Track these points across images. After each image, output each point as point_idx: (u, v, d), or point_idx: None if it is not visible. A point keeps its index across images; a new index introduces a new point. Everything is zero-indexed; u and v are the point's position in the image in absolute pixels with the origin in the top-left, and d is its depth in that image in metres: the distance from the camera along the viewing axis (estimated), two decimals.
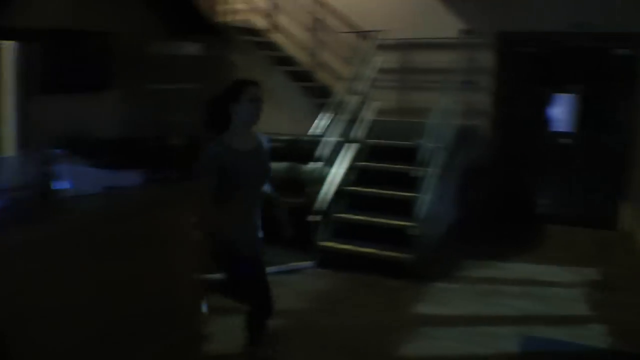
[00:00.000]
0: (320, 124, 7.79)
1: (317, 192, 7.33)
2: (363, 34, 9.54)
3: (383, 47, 9.23)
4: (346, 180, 7.73)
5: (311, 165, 7.61)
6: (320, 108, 8.65)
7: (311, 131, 7.72)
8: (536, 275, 7.00)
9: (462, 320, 5.63)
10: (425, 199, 7.06)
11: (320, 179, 7.45)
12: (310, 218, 7.11)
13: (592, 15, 8.57)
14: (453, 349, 4.98)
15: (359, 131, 8.15)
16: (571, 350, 5.10)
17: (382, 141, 8.27)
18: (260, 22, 10.39)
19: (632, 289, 6.68)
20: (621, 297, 6.44)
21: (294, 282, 6.54)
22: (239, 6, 10.05)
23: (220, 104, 3.94)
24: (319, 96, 9.36)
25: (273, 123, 9.32)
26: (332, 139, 7.64)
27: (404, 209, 7.01)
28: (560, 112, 9.19)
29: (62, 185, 3.32)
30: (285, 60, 10.00)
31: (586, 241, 8.58)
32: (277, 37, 10.30)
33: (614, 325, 5.63)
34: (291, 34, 10.25)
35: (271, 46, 10.05)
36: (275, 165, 8.49)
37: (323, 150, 7.52)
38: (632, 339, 5.40)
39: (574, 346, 5.16)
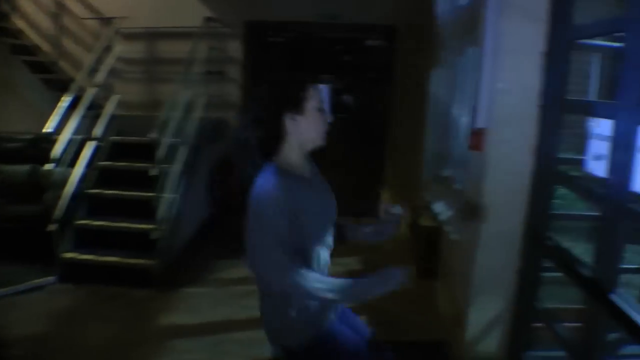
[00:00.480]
0: (59, 119, 7.05)
1: (58, 197, 6.61)
2: (106, 21, 8.84)
3: (127, 36, 8.71)
4: (87, 182, 7.07)
5: (50, 167, 6.78)
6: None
7: (50, 128, 6.95)
8: None
9: (213, 328, 5.37)
10: (168, 199, 6.62)
11: (60, 182, 6.70)
12: (49, 227, 6.41)
13: (343, 6, 8.64)
14: None
15: (99, 127, 7.46)
16: None
17: (124, 138, 7.68)
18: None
19: None
20: None
21: (34, 301, 5.89)
22: None
23: (272, 115, 2.69)
24: (62, 89, 8.28)
25: (11, 120, 8.55)
26: (71, 136, 6.90)
27: (149, 211, 6.50)
28: None
29: None
30: (26, 49, 9.03)
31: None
32: (18, 23, 9.25)
33: (374, 313, 5.51)
34: (33, 20, 9.27)
35: (11, 32, 9.01)
36: (17, 169, 7.78)
37: (61, 149, 6.74)
38: (391, 325, 5.46)
39: None
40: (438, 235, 6.09)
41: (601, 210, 3.08)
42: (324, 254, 2.80)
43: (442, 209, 6.07)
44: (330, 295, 2.56)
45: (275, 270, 2.51)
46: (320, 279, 2.59)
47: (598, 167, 3.54)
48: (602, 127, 3.51)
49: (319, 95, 2.72)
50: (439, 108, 6.78)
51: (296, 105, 2.66)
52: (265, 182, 2.58)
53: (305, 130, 2.69)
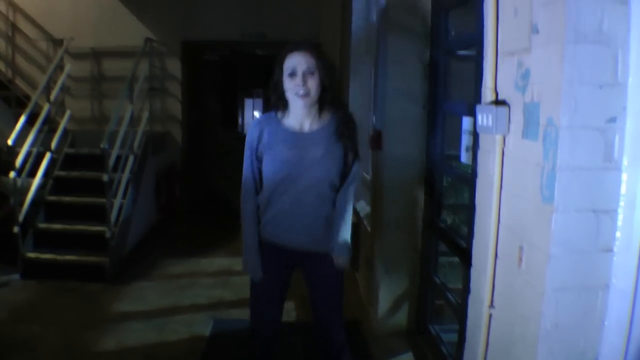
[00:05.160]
0: (18, 133, 7.32)
1: (20, 203, 7.05)
2: (56, 41, 9.39)
3: (75, 55, 9.27)
4: (46, 189, 7.57)
5: (11, 176, 7.21)
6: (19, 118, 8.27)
7: (10, 141, 7.37)
8: (232, 265, 7.25)
9: (159, 313, 5.81)
10: (118, 204, 7.15)
11: (21, 190, 7.16)
12: (13, 230, 6.84)
13: (269, 26, 9.38)
14: (150, 338, 5.13)
15: (54, 140, 7.94)
16: None
17: (77, 150, 8.32)
18: None
19: None
20: None
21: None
22: None
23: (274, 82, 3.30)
24: (18, 105, 8.97)
25: None
26: (29, 148, 7.38)
27: (102, 214, 6.99)
28: (249, 114, 9.60)
29: None
30: None
31: None
32: None
33: (300, 300, 5.94)
34: None
35: None
36: None
37: (22, 160, 7.22)
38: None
39: None
40: (359, 230, 6.56)
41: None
42: (285, 201, 3.32)
43: (362, 207, 6.64)
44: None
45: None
46: (245, 212, 3.42)
47: (467, 157, 3.94)
48: (466, 123, 3.97)
49: (290, 63, 3.22)
50: (357, 115, 7.27)
51: (279, 72, 3.27)
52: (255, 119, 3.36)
53: (289, 93, 3.24)
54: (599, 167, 2.11)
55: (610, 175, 2.12)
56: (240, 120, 9.73)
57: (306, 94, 3.18)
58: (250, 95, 9.50)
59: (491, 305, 2.61)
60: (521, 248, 2.32)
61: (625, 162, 2.11)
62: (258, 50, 9.71)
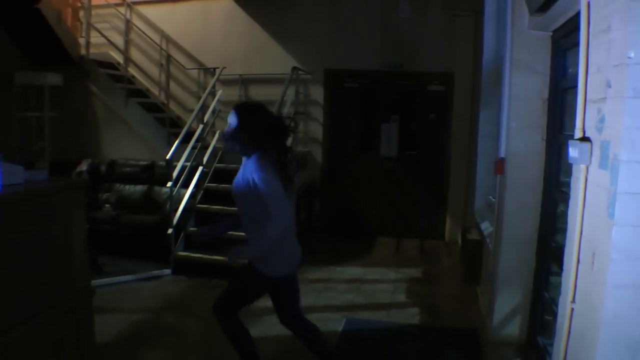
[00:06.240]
0: (173, 150, 8.58)
1: (173, 210, 8.24)
2: (207, 70, 10.77)
3: (225, 82, 10.48)
4: (196, 199, 8.73)
5: (166, 187, 8.47)
6: (172, 137, 9.63)
7: (169, 156, 8.51)
8: (365, 275, 8.18)
9: None
10: None
11: (175, 199, 8.31)
12: (168, 232, 8.05)
13: (406, 57, 10.19)
14: (288, 331, 5.66)
15: (205, 157, 9.10)
16: (384, 327, 6.27)
17: (227, 165, 9.34)
18: (117, 57, 11.19)
19: (445, 282, 8.04)
20: (435, 288, 7.75)
21: (154, 286, 7.53)
22: (97, 40, 10.84)
23: None
24: (171, 126, 10.35)
25: (131, 150, 10.20)
26: (183, 163, 8.52)
27: None
28: (385, 138, 10.37)
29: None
30: (139, 93, 10.85)
31: (412, 248, 9.94)
32: (132, 71, 11.14)
33: (425, 307, 6.88)
34: (144, 69, 11.15)
35: (127, 79, 10.79)
36: (133, 188, 9.44)
37: (176, 173, 8.37)
38: (437, 316, 6.70)
39: (387, 323, 6.36)
40: (482, 247, 7.28)
41: None
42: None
43: (487, 227, 7.28)
44: None
45: None
46: None
47: None
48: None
49: None
50: (485, 143, 7.89)
51: None
52: None
53: None
54: None
55: None
56: (378, 143, 10.50)
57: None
58: (387, 121, 10.28)
59: (573, 301, 3.36)
60: (594, 254, 3.07)
61: None
62: (395, 80, 10.44)
